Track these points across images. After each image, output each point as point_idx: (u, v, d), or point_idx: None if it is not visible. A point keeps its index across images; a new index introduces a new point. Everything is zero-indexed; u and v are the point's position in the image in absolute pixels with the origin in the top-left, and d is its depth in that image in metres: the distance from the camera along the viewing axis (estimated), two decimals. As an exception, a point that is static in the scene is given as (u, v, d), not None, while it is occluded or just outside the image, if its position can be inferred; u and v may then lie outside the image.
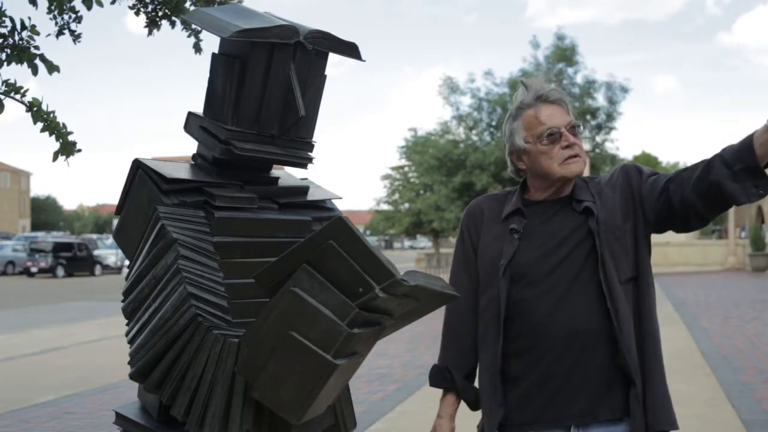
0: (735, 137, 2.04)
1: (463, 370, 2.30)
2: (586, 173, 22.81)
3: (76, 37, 5.42)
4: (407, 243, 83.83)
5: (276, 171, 2.84)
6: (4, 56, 4.94)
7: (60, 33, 5.37)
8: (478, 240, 2.28)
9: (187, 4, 5.86)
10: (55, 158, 4.81)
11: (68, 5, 5.30)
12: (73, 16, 5.37)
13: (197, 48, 5.91)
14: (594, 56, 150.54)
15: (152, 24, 5.90)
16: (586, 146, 24.31)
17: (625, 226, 2.12)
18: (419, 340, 10.53)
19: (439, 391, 2.37)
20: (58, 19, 5.35)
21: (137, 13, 5.88)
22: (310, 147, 2.73)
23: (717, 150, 2.01)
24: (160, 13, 5.88)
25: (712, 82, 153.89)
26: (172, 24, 5.96)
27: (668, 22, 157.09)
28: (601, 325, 2.07)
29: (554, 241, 2.14)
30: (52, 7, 5.28)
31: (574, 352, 2.08)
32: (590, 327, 2.08)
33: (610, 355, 2.07)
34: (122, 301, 2.56)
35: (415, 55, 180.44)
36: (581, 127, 2.21)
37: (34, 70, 4.92)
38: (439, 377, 2.34)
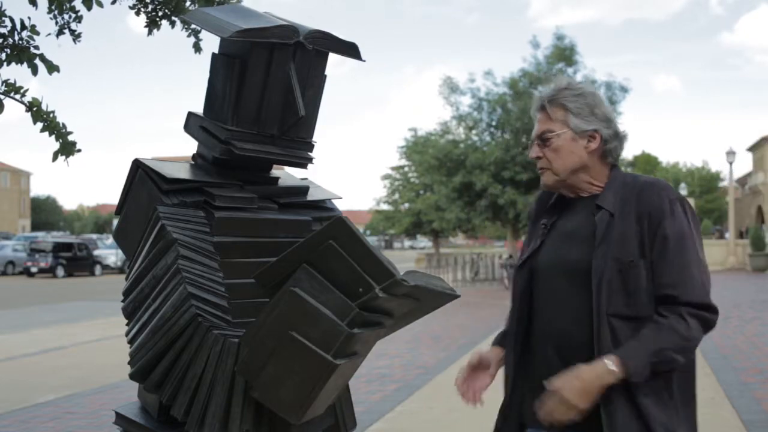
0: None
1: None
2: None
3: (76, 36, 5.43)
4: (407, 243, 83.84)
5: (276, 171, 2.84)
6: (4, 56, 4.94)
7: (60, 32, 5.38)
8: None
9: (187, 4, 5.87)
10: (54, 158, 4.81)
11: (68, 5, 5.30)
12: (73, 15, 5.37)
13: (197, 48, 5.92)
14: (596, 56, 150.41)
15: (152, 24, 5.91)
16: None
17: (637, 263, 1.99)
18: (419, 340, 10.53)
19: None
20: (59, 19, 5.36)
21: (137, 13, 5.89)
22: (310, 147, 2.73)
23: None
24: (160, 13, 5.88)
25: (714, 82, 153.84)
26: (172, 24, 5.96)
27: (671, 21, 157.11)
28: (590, 341, 2.01)
29: (569, 243, 2.11)
30: (53, 7, 5.28)
31: (564, 362, 2.04)
32: (580, 341, 2.03)
33: None
34: (122, 301, 2.56)
35: (416, 56, 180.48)
36: (550, 136, 2.10)
37: (34, 70, 4.92)
38: (497, 337, 2.37)
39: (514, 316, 2.22)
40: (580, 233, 2.09)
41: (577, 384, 1.91)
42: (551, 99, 2.14)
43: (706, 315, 1.99)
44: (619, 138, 2.14)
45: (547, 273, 2.13)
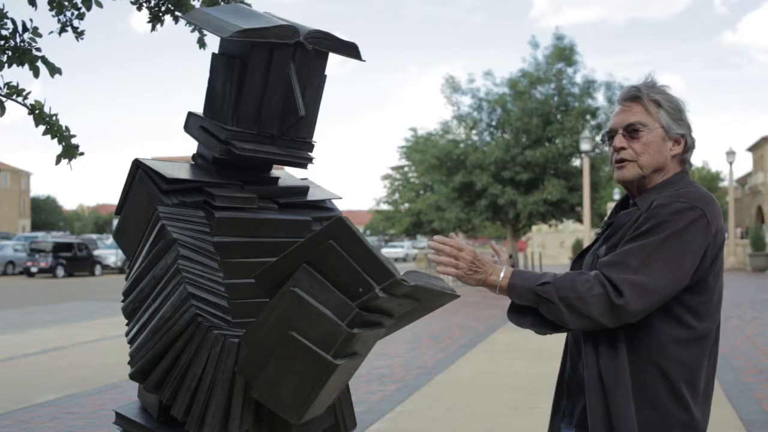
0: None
1: None
2: (586, 173, 22.03)
3: (78, 34, 5.41)
4: (407, 243, 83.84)
5: (276, 171, 2.84)
6: (5, 58, 4.93)
7: (63, 30, 5.36)
8: None
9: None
10: (57, 162, 4.80)
11: (69, 2, 5.30)
12: (76, 13, 5.36)
13: (201, 43, 5.87)
14: (599, 56, 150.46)
15: (155, 19, 5.87)
16: (586, 146, 24.23)
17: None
18: (419, 340, 10.53)
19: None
20: (60, 17, 5.35)
21: (139, 9, 5.86)
22: (310, 147, 2.73)
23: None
24: (163, 8, 5.85)
25: (715, 82, 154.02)
26: (176, 19, 5.93)
27: (674, 20, 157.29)
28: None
29: (603, 242, 2.12)
30: (53, 5, 5.27)
31: (578, 353, 2.12)
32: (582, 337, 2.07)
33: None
34: (122, 301, 2.56)
35: (419, 56, 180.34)
36: (641, 129, 2.05)
37: (36, 72, 4.91)
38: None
39: None
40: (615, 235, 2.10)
41: (474, 266, 2.01)
42: (651, 93, 2.09)
43: (612, 293, 1.88)
44: (695, 148, 2.12)
45: (584, 269, 2.15)
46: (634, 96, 2.09)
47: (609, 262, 1.93)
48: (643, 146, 2.07)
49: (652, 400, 1.96)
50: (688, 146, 2.09)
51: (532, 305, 1.98)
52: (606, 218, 2.24)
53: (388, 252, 56.26)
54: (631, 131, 2.07)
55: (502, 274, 2.01)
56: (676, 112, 2.08)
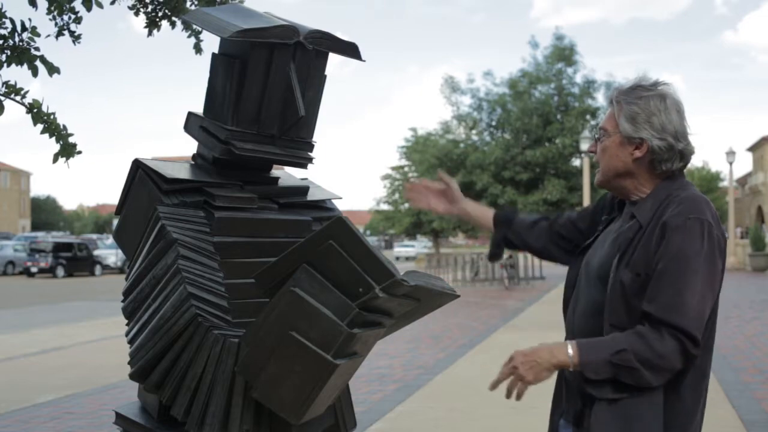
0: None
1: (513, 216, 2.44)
2: (586, 173, 22.13)
3: (75, 38, 5.41)
4: (417, 243, 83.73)
5: (276, 171, 2.84)
6: (4, 57, 4.93)
7: (60, 34, 5.37)
8: None
9: (188, 4, 5.85)
10: (55, 160, 4.81)
11: (68, 6, 5.29)
12: (73, 17, 5.36)
13: (197, 48, 5.90)
14: (600, 56, 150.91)
15: (152, 24, 5.88)
16: (585, 146, 24.28)
17: (644, 277, 1.93)
18: (419, 340, 10.53)
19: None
20: (58, 20, 5.35)
21: (137, 14, 5.87)
22: (310, 147, 2.73)
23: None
24: (160, 14, 5.87)
25: (715, 82, 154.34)
26: (172, 24, 5.95)
27: (674, 20, 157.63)
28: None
29: (603, 244, 2.10)
30: (52, 8, 5.27)
31: None
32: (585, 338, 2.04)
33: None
34: (122, 301, 2.56)
35: (420, 55, 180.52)
36: (603, 134, 2.06)
37: (35, 72, 4.91)
38: (504, 214, 2.46)
39: (564, 297, 2.22)
40: (612, 237, 2.07)
41: (531, 361, 1.93)
42: (618, 96, 2.06)
43: (688, 344, 1.87)
44: (675, 152, 2.00)
45: (584, 268, 2.14)
46: (609, 100, 2.10)
47: (667, 308, 1.87)
48: (601, 152, 2.09)
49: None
50: (654, 149, 1.99)
51: (610, 376, 1.91)
52: (606, 215, 2.23)
53: (399, 251, 56.46)
54: (599, 136, 2.10)
55: (570, 351, 1.92)
56: (641, 114, 2.00)
